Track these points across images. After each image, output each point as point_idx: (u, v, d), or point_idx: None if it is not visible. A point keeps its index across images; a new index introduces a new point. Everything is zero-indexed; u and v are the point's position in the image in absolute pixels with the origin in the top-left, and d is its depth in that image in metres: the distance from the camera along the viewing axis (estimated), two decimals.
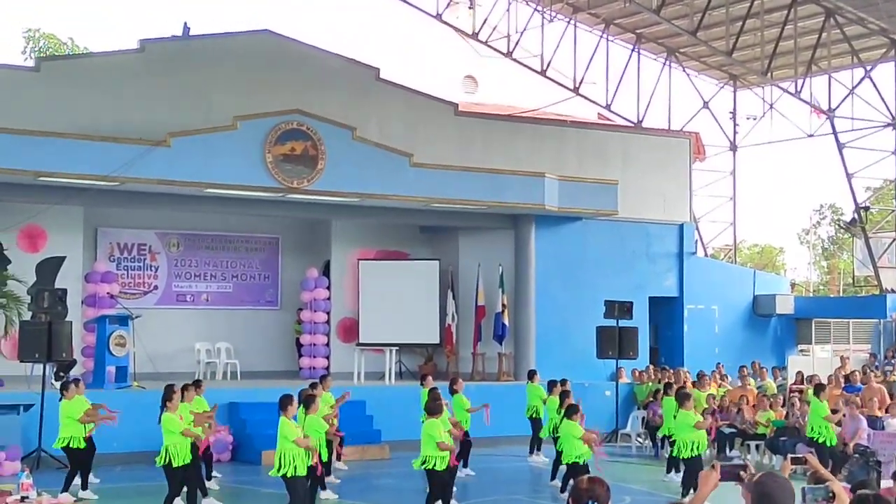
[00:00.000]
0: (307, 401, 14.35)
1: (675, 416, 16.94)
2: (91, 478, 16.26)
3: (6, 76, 22.02)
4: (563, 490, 15.58)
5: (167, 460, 13.59)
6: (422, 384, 18.81)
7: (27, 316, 20.49)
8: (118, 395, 18.87)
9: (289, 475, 12.75)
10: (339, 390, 18.16)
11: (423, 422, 13.97)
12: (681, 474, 16.60)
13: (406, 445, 19.70)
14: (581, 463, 14.96)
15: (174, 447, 13.60)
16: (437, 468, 13.65)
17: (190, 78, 23.04)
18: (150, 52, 22.96)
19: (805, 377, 23.55)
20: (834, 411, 18.93)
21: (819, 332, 29.20)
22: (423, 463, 13.64)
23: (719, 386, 23.84)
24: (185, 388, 15.63)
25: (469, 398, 18.51)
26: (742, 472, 5.58)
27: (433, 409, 13.88)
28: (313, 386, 17.08)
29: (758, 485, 5.43)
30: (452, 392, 18.00)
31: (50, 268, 22.95)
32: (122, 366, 20.87)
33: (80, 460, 15.64)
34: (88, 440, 15.81)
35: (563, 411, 16.14)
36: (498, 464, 19.79)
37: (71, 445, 15.58)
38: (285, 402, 13.07)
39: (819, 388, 18.80)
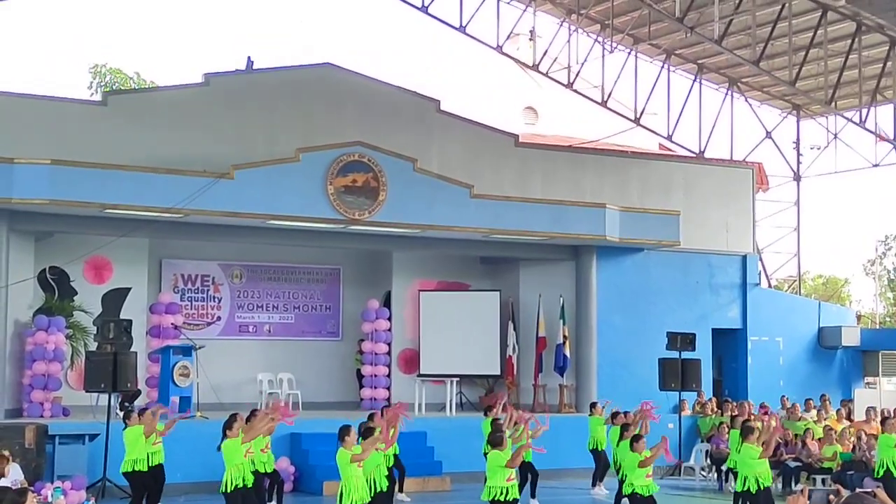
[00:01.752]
0: (365, 432, 14.35)
1: (738, 450, 16.72)
2: None
3: (74, 110, 22.41)
4: None
5: (227, 487, 13.69)
6: (486, 415, 18.76)
7: (93, 346, 20.77)
8: (182, 426, 18.97)
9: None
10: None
11: (485, 454, 13.93)
12: None
13: (467, 477, 19.69)
14: (643, 494, 14.79)
15: (236, 471, 13.70)
16: (501, 498, 13.64)
17: (253, 111, 23.30)
18: (215, 86, 23.26)
19: (875, 412, 23.05)
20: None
21: (886, 364, 28.74)
22: (490, 494, 13.61)
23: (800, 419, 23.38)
24: (251, 415, 15.92)
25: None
26: (832, 497, 5.52)
27: (495, 440, 13.86)
28: (371, 417, 17.02)
29: None
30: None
31: (115, 299, 23.25)
32: (185, 396, 21.04)
33: (144, 484, 15.79)
34: (157, 468, 16.01)
35: (622, 439, 16.08)
36: (560, 496, 19.64)
37: (135, 469, 15.73)
38: (342, 432, 13.15)
39: (885, 422, 18.48)
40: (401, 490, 18.04)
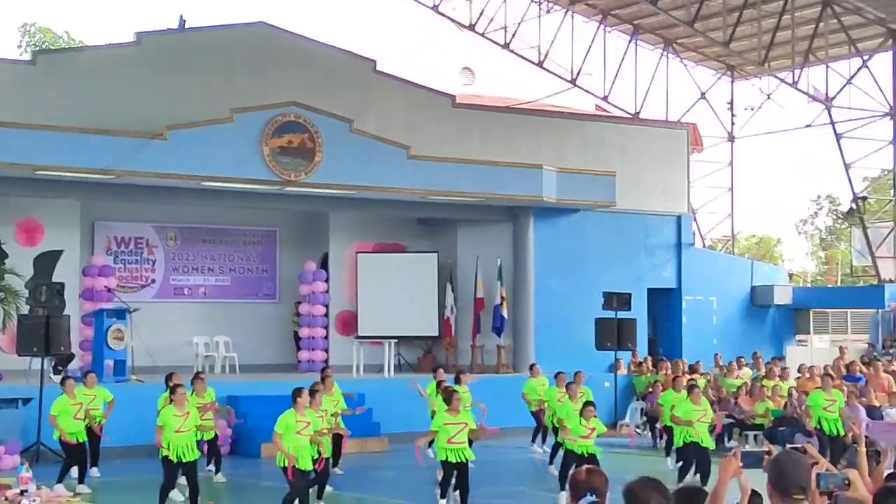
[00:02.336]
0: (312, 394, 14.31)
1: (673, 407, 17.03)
2: (94, 471, 16.40)
3: (2, 70, 22.00)
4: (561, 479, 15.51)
5: (166, 453, 13.61)
6: (435, 376, 18.82)
7: (25, 310, 20.46)
8: (117, 389, 18.83)
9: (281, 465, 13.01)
10: (341, 383, 18.01)
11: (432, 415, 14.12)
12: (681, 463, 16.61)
13: (405, 437, 19.72)
14: (581, 454, 14.96)
15: (173, 441, 13.62)
16: (450, 459, 13.83)
17: (186, 71, 23.01)
18: (147, 45, 22.92)
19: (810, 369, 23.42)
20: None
21: (817, 322, 29.22)
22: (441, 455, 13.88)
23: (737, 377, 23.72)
24: (195, 377, 16.23)
25: (470, 391, 18.52)
26: (766, 457, 5.57)
27: (448, 398, 14.14)
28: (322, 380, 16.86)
29: (775, 462, 5.45)
30: (457, 383, 18.03)
31: (47, 262, 22.91)
32: (120, 360, 20.86)
33: (77, 452, 15.76)
34: (89, 432, 15.99)
35: (568, 403, 16.33)
36: (500, 455, 19.77)
37: (68, 439, 15.68)
38: (295, 394, 13.24)
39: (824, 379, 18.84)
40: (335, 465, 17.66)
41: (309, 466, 13.18)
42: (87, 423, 16.21)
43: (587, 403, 15.58)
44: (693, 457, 16.06)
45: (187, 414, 13.84)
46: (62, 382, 16.40)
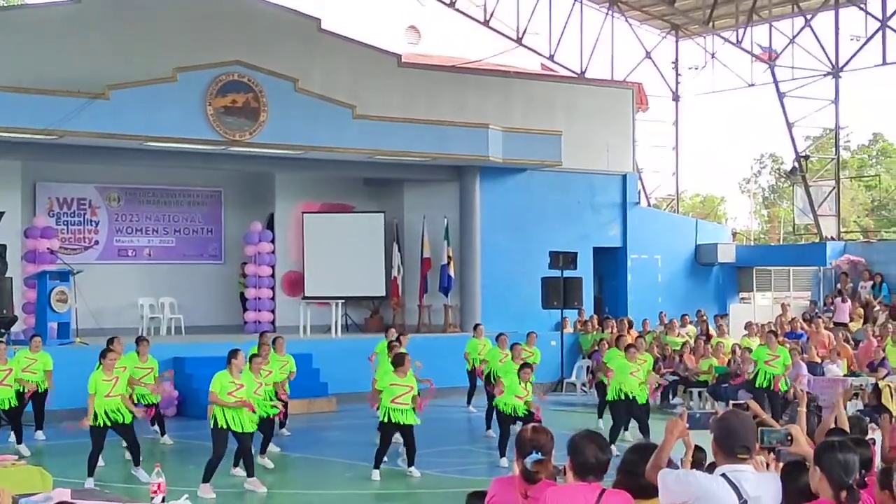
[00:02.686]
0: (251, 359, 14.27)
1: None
2: (39, 434, 16.34)
3: None
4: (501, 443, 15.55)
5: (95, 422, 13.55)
6: (386, 336, 18.77)
7: None
8: (61, 352, 18.69)
9: (211, 426, 13.18)
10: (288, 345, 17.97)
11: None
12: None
13: (353, 398, 19.82)
14: (513, 413, 15.09)
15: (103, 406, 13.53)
16: (393, 420, 13.91)
17: (128, 29, 22.71)
18: (87, 4, 22.57)
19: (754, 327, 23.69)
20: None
21: (760, 280, 29.55)
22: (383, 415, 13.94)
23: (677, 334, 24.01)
24: (139, 340, 16.32)
25: (415, 351, 18.56)
26: (711, 420, 5.65)
27: (397, 360, 14.20)
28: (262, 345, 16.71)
29: (721, 420, 5.54)
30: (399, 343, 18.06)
31: None
32: (64, 322, 20.67)
33: (10, 416, 15.91)
34: (38, 396, 16.05)
35: (509, 363, 16.40)
36: (442, 414, 19.88)
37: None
38: (230, 356, 13.20)
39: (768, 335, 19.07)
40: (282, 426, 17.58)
41: (242, 429, 13.16)
42: (18, 388, 16.10)
43: (524, 365, 15.67)
44: (624, 413, 16.21)
45: (116, 379, 13.70)
46: None
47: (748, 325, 23.24)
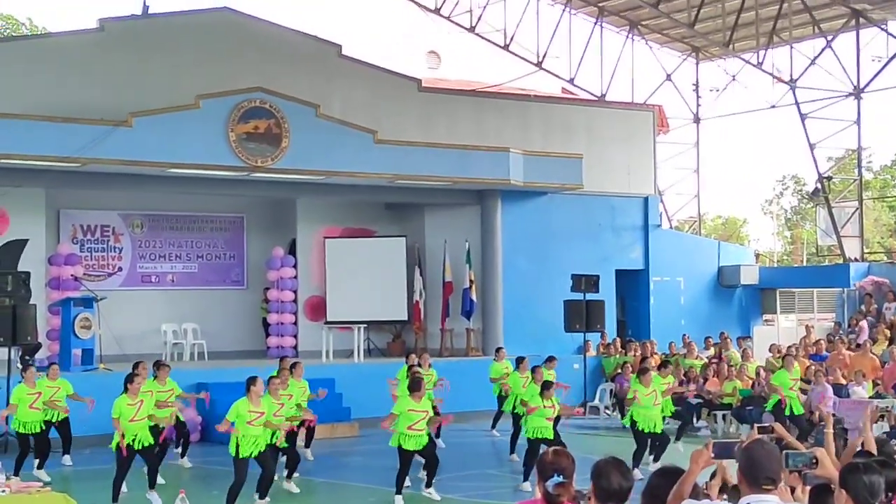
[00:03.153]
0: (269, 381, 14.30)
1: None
2: (66, 459, 16.42)
3: None
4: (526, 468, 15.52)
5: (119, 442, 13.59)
6: (406, 361, 18.85)
7: None
8: (85, 378, 18.76)
9: (232, 454, 13.10)
10: (310, 369, 18.03)
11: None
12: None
13: (375, 423, 19.72)
14: (540, 438, 15.02)
15: (129, 430, 13.60)
16: (407, 447, 13.85)
17: (151, 57, 22.86)
18: (110, 32, 22.75)
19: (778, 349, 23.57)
20: (807, 381, 19.08)
21: (784, 301, 29.41)
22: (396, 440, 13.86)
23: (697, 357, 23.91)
24: (157, 365, 16.20)
25: (438, 373, 18.61)
26: (737, 449, 5.62)
27: (413, 385, 14.12)
28: (282, 370, 16.80)
29: (746, 450, 5.51)
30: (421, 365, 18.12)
31: (12, 251, 22.73)
32: (87, 348, 20.75)
33: (34, 443, 15.83)
34: (62, 424, 16.28)
35: (532, 386, 16.32)
36: (465, 438, 19.86)
37: (23, 431, 15.78)
38: (248, 383, 13.24)
39: (785, 359, 18.96)
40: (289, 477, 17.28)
41: (261, 453, 13.17)
42: (51, 417, 16.17)
43: (546, 384, 15.62)
44: (643, 437, 16.16)
45: (141, 402, 13.80)
46: (23, 371, 16.37)
47: (772, 347, 23.12)
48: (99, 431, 17.72)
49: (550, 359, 19.32)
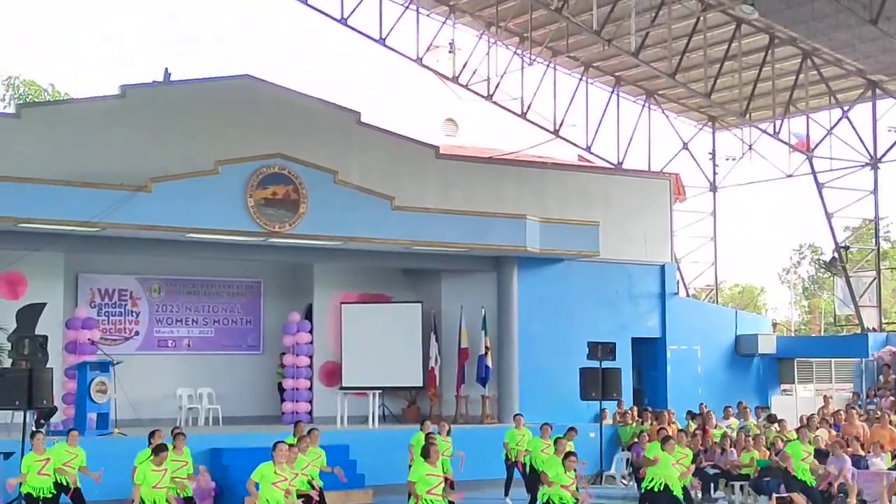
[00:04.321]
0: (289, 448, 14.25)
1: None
2: None
3: None
4: None
5: None
6: (422, 428, 18.75)
7: (7, 363, 20.34)
8: (100, 443, 18.72)
9: None
10: (325, 435, 17.93)
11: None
12: None
13: (390, 490, 19.63)
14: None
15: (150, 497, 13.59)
16: None
17: (171, 123, 23.08)
18: (131, 98, 22.99)
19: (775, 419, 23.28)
20: (825, 452, 18.88)
21: (801, 371, 29.22)
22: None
23: (715, 426, 23.68)
24: (175, 434, 16.00)
25: (452, 441, 18.48)
26: None
27: (425, 452, 13.99)
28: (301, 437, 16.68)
29: None
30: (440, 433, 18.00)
31: (30, 314, 22.80)
32: (103, 412, 20.71)
33: None
34: (75, 493, 16.03)
35: (553, 457, 16.16)
36: None
37: (34, 495, 15.66)
38: (273, 449, 13.25)
39: (799, 430, 18.77)
40: None
41: None
42: (62, 481, 16.08)
43: (570, 453, 15.45)
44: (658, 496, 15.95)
45: (165, 471, 13.84)
46: (31, 437, 16.28)
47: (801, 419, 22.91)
48: (111, 496, 17.70)
49: (571, 430, 19.11)
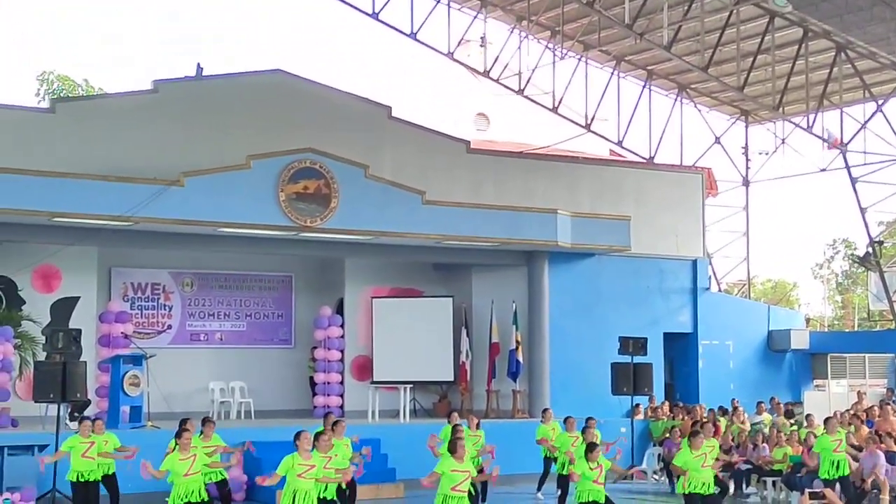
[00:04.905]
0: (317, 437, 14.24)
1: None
2: None
3: (21, 118, 22.18)
4: None
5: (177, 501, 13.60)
6: (449, 420, 18.73)
7: (42, 356, 20.52)
8: (132, 436, 18.83)
9: None
10: (353, 430, 17.97)
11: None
12: None
13: (421, 484, 19.62)
14: (590, 501, 14.78)
15: (182, 485, 13.63)
16: None
17: (203, 118, 23.20)
18: (164, 93, 23.12)
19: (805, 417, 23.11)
20: (859, 447, 18.74)
21: (835, 367, 29.06)
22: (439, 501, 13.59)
23: (742, 422, 23.58)
24: (205, 422, 16.25)
25: (485, 434, 18.50)
26: None
27: (452, 447, 13.89)
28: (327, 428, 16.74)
29: None
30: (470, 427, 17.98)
31: (64, 308, 23.02)
32: (136, 406, 20.86)
33: (85, 498, 15.90)
34: (109, 479, 16.30)
35: (582, 447, 16.08)
36: (513, 502, 19.67)
37: (80, 479, 15.87)
38: (295, 437, 13.23)
39: (827, 422, 18.61)
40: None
41: None
42: (104, 471, 16.26)
43: (591, 445, 15.38)
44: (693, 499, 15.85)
45: (193, 457, 13.84)
46: (80, 423, 16.54)
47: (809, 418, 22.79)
48: (145, 489, 17.79)
49: (589, 419, 19.00)
